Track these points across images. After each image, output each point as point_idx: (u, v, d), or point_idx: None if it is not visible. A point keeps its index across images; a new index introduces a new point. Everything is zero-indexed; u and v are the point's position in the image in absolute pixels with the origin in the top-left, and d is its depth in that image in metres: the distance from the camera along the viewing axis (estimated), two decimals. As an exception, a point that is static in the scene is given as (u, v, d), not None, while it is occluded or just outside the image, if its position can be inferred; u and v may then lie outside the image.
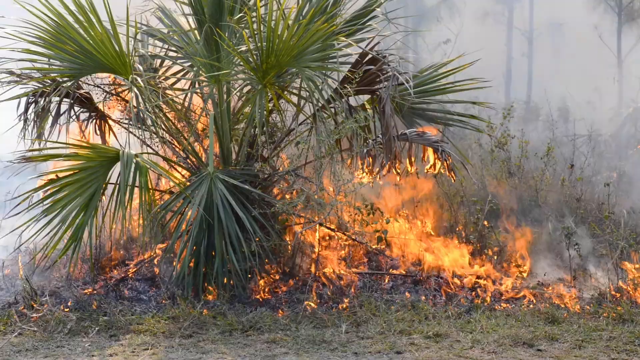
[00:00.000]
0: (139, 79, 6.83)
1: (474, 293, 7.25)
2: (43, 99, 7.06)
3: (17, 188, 6.64)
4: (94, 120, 7.48)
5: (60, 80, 7.07)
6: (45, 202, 6.68)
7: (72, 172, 6.78)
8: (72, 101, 7.23)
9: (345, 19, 7.46)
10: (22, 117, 7.07)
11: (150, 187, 6.75)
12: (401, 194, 8.43)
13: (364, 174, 7.25)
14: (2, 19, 6.78)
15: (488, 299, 7.12)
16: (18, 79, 7.09)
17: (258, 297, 6.94)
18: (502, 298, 7.20)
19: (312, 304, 6.80)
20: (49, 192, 6.73)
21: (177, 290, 6.83)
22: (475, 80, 7.41)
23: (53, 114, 7.13)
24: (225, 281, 6.81)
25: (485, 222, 8.29)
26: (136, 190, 6.73)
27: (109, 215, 6.75)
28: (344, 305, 6.83)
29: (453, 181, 7.46)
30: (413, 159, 7.43)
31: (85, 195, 6.72)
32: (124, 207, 6.58)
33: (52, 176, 6.82)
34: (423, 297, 7.10)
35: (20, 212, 6.59)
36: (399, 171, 7.31)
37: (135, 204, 6.92)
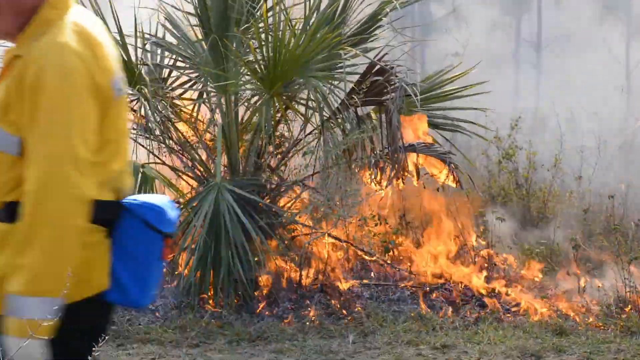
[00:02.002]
0: (145, 89, 6.85)
1: (481, 304, 7.24)
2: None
3: None
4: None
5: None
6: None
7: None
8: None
9: (351, 28, 7.46)
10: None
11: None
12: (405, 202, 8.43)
13: (372, 184, 7.26)
14: None
15: (495, 310, 7.10)
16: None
17: (265, 307, 6.94)
18: (510, 309, 7.19)
19: (319, 315, 6.79)
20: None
21: (184, 300, 6.84)
22: (479, 85, 7.44)
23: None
24: (231, 291, 6.81)
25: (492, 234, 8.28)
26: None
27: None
28: (351, 316, 6.82)
29: (456, 186, 7.42)
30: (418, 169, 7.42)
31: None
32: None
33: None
34: (424, 308, 7.07)
35: None
36: (403, 181, 7.31)
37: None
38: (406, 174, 7.21)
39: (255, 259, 6.95)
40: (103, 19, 6.97)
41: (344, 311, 6.91)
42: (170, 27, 7.58)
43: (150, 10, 7.50)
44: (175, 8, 7.55)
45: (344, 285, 7.30)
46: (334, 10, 7.27)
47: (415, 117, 7.30)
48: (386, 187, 7.25)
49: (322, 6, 7.32)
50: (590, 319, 6.92)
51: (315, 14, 7.28)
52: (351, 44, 7.14)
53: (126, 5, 6.96)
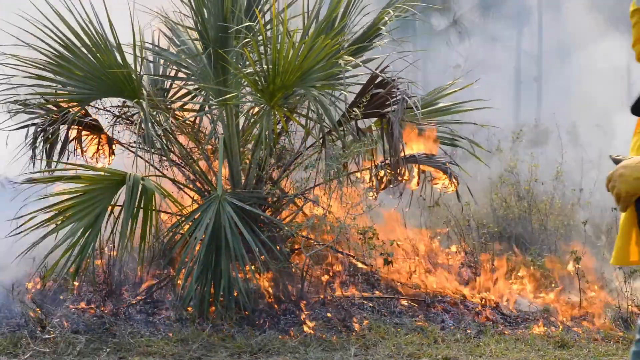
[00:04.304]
0: (143, 103, 6.85)
1: (483, 317, 7.23)
2: (52, 127, 7.12)
3: (21, 209, 6.67)
4: (102, 145, 7.51)
5: (68, 106, 7.12)
6: (48, 224, 6.73)
7: (77, 195, 6.82)
8: (80, 127, 7.31)
9: (351, 37, 7.48)
10: (31, 147, 7.14)
11: (152, 209, 6.78)
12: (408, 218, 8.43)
13: (371, 194, 7.26)
14: (10, 46, 6.85)
15: (497, 322, 7.09)
16: (22, 107, 7.13)
17: (266, 319, 6.93)
18: (511, 322, 7.17)
19: (321, 327, 6.78)
20: (53, 214, 6.77)
21: (185, 313, 6.83)
22: (480, 101, 7.45)
23: (62, 140, 7.21)
24: (232, 304, 6.80)
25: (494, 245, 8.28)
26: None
27: (117, 238, 6.78)
28: (353, 329, 6.81)
29: (452, 190, 7.42)
30: (418, 180, 7.43)
31: (89, 218, 6.74)
32: (126, 230, 6.62)
33: (59, 198, 6.86)
34: (424, 323, 7.06)
35: (22, 233, 6.63)
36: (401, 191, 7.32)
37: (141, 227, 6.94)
38: (404, 181, 7.22)
39: (257, 271, 6.95)
40: (101, 29, 6.98)
41: (346, 324, 6.90)
42: (169, 39, 7.60)
43: (150, 23, 7.52)
44: (175, 23, 7.57)
45: (345, 298, 7.29)
46: (333, 19, 7.28)
47: (425, 133, 7.35)
48: (381, 190, 7.26)
49: (321, 16, 7.34)
50: (592, 332, 6.91)
51: (314, 24, 7.30)
52: (350, 54, 7.14)
53: (126, 18, 6.97)
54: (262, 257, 6.78)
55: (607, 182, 3.25)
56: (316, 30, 7.03)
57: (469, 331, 6.88)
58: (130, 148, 7.45)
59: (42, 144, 7.18)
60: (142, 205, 6.78)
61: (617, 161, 3.33)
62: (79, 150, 7.43)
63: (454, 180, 7.32)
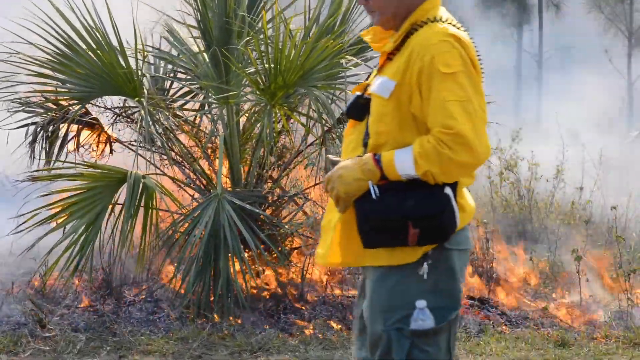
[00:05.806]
0: (144, 102, 6.86)
1: (483, 315, 7.23)
2: (51, 125, 7.13)
3: (22, 207, 6.68)
4: (102, 143, 7.52)
5: (68, 104, 7.12)
6: (50, 221, 6.74)
7: (78, 192, 6.82)
8: (80, 126, 7.31)
9: (353, 37, 7.48)
10: (31, 146, 7.15)
11: (153, 207, 6.78)
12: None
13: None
14: (11, 43, 6.85)
15: (497, 321, 7.09)
16: (23, 106, 7.14)
17: (266, 318, 6.93)
18: (512, 321, 7.17)
19: (321, 326, 6.78)
20: (54, 212, 6.78)
21: (185, 312, 6.83)
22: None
23: (61, 138, 7.22)
24: (231, 303, 6.79)
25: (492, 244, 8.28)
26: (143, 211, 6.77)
27: (118, 236, 6.78)
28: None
29: None
30: None
31: (90, 215, 6.75)
32: (126, 228, 6.62)
33: (60, 195, 6.87)
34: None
35: (23, 231, 6.64)
36: None
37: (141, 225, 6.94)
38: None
39: (256, 270, 6.94)
40: (103, 28, 6.98)
41: (346, 322, 6.90)
42: (171, 38, 7.60)
43: (151, 21, 7.52)
44: (177, 21, 7.57)
45: (345, 297, 7.29)
46: (335, 20, 7.29)
47: None
48: None
49: (323, 16, 7.34)
50: (593, 331, 6.91)
51: (315, 24, 7.29)
52: (352, 53, 7.14)
53: (127, 16, 6.97)
54: (262, 256, 6.78)
55: (326, 184, 3.24)
56: (318, 31, 7.03)
57: (469, 330, 6.87)
58: (130, 147, 7.45)
59: (42, 142, 7.18)
60: (142, 204, 6.79)
61: (334, 163, 3.26)
62: (78, 149, 7.44)
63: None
